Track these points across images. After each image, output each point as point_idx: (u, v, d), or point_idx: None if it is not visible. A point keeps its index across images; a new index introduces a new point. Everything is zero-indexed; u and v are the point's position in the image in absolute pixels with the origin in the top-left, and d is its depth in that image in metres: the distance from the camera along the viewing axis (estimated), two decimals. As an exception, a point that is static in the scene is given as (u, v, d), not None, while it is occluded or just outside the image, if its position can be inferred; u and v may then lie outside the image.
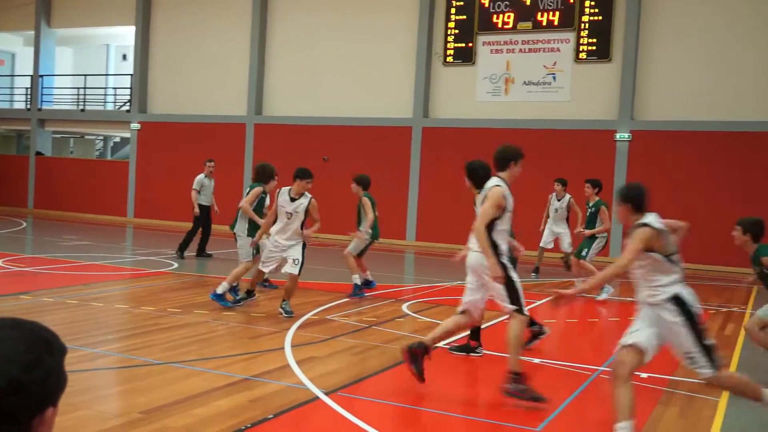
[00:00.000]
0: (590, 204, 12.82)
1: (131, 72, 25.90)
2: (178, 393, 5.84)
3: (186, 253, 15.06)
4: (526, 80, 20.45)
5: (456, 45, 21.15)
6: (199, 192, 15.09)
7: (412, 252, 19.66)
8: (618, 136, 19.10)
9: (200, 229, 15.25)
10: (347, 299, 10.82)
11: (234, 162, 22.96)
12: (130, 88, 25.82)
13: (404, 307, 10.49)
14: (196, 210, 15.09)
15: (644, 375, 7.24)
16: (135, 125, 25.14)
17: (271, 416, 5.41)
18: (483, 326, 8.04)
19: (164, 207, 23.99)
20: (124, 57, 30.31)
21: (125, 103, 26.49)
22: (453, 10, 21.12)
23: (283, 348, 7.56)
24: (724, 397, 6.47)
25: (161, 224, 23.51)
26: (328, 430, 5.42)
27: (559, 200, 14.53)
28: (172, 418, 5.25)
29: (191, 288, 11.38)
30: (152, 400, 5.62)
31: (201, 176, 15.23)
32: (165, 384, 6.14)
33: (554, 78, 20.14)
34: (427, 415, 5.95)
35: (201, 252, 15.35)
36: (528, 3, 20.28)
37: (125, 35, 26.87)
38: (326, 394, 6.00)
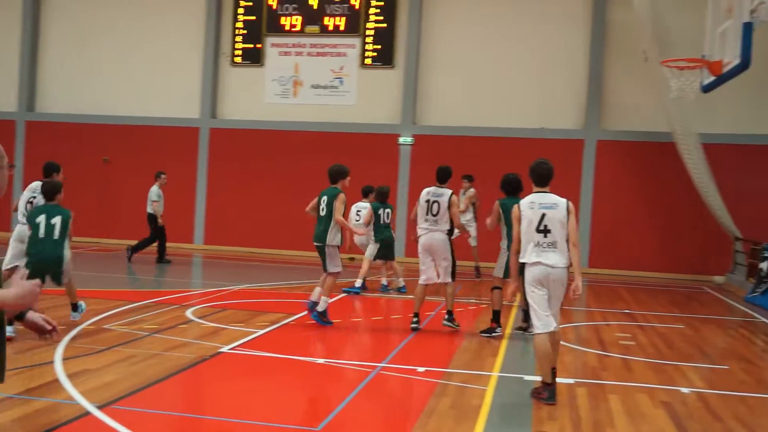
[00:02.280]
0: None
1: None
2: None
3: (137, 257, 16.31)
4: (314, 83, 20.69)
5: (244, 46, 20.96)
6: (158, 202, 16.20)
7: (200, 256, 19.22)
8: (401, 139, 19.85)
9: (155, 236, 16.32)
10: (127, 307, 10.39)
11: None
12: None
13: (188, 313, 10.23)
14: (161, 220, 16.20)
15: (421, 369, 7.59)
16: None
17: (36, 436, 5.07)
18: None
19: None
20: None
21: None
22: (241, 11, 20.91)
23: (52, 362, 7.10)
24: (491, 386, 6.93)
25: None
26: (100, 445, 5.16)
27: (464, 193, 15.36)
28: None
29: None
30: None
31: (156, 187, 16.29)
32: None
33: (341, 82, 20.55)
34: (206, 423, 5.84)
35: (161, 258, 16.46)
36: (315, 7, 20.53)
37: None
38: (99, 408, 5.71)
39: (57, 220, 8.34)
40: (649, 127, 18.34)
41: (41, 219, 8.36)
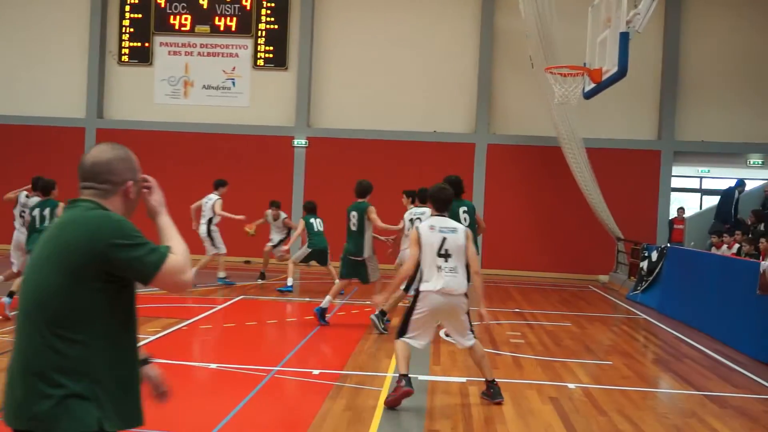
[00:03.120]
0: None
1: None
2: None
3: None
4: (205, 84, 20.31)
5: (132, 44, 20.36)
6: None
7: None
8: (295, 142, 19.74)
9: None
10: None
11: None
12: None
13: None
14: None
15: (316, 372, 7.55)
16: None
17: None
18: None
19: None
20: None
21: None
22: (128, 8, 20.29)
23: None
24: (385, 387, 6.96)
25: None
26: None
27: None
28: None
29: None
30: None
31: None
32: None
33: (234, 83, 20.25)
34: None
35: None
36: (205, 6, 20.16)
37: None
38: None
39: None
40: (536, 131, 18.93)
41: (36, 212, 9.71)
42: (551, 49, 16.14)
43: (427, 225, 6.56)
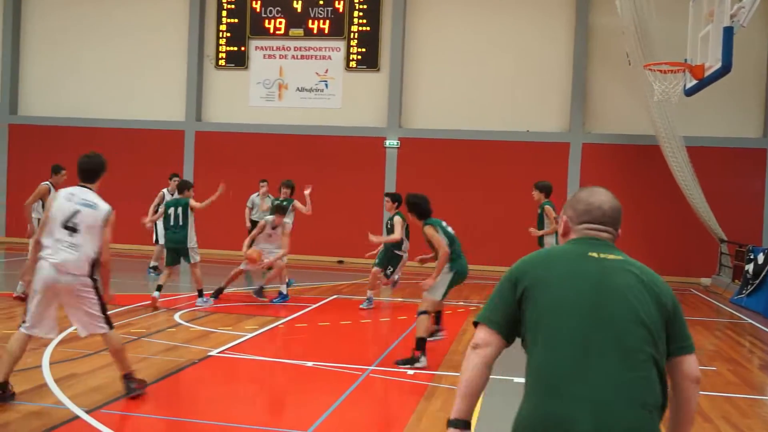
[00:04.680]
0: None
1: None
2: None
3: None
4: (299, 86, 20.66)
5: (228, 48, 20.90)
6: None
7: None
8: (387, 143, 19.85)
9: None
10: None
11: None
12: None
13: (177, 317, 10.16)
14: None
15: (411, 372, 7.58)
16: None
17: (24, 441, 5.01)
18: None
19: None
20: None
21: None
22: (224, 13, 20.85)
23: (40, 366, 7.03)
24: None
25: None
26: (89, 450, 5.11)
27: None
28: None
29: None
30: None
31: (254, 195, 15.98)
32: None
33: (326, 85, 20.52)
34: (197, 427, 5.79)
35: None
36: (299, 10, 20.51)
37: None
38: (87, 412, 5.65)
39: None
40: (633, 130, 18.44)
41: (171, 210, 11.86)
42: (649, 46, 15.68)
43: (67, 192, 6.18)
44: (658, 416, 2.47)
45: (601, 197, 2.76)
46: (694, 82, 12.10)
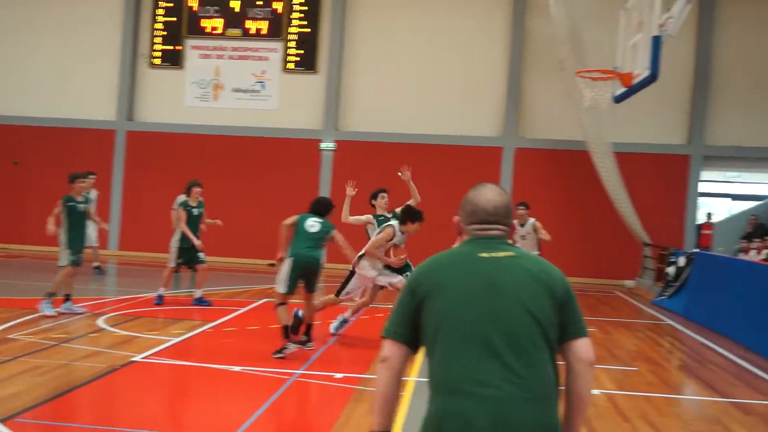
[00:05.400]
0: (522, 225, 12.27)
1: None
2: None
3: None
4: (235, 87, 20.49)
5: (163, 47, 20.60)
6: None
7: (115, 262, 18.73)
8: (323, 145, 19.84)
9: None
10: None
11: None
12: None
13: (100, 321, 9.96)
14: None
15: (339, 375, 7.59)
16: None
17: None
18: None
19: None
20: None
21: None
22: (160, 11, 20.54)
23: (-46, 373, 6.81)
24: (408, 392, 6.98)
25: None
26: (2, 460, 4.98)
27: (522, 225, 12.57)
28: None
29: None
30: None
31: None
32: None
33: (263, 86, 20.41)
34: (116, 434, 5.70)
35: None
36: (237, 10, 20.35)
37: None
38: (2, 421, 5.51)
39: None
40: (565, 135, 18.83)
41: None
42: (582, 53, 16.05)
43: None
44: (555, 407, 2.56)
45: (487, 196, 2.80)
46: (623, 89, 12.39)
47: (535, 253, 11.25)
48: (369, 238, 9.57)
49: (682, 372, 8.98)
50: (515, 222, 11.64)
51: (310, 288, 8.67)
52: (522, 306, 2.57)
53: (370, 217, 10.01)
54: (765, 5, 18.71)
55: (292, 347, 8.31)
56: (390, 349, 2.71)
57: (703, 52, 18.80)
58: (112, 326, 9.66)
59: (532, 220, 12.32)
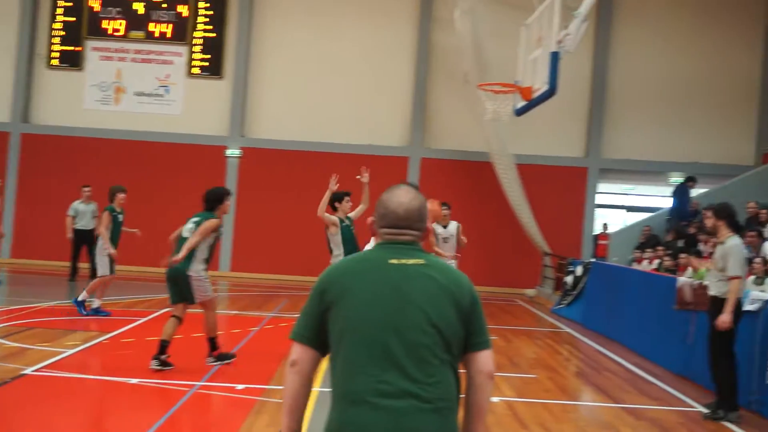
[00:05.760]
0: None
1: None
2: None
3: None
4: (138, 91, 19.98)
5: (62, 48, 19.90)
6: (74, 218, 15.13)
7: (5, 271, 17.89)
8: (228, 152, 19.57)
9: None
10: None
11: None
12: None
13: (-11, 332, 9.51)
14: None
15: (240, 386, 7.49)
16: None
17: None
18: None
19: None
20: None
21: None
22: (60, 11, 19.83)
23: None
24: (311, 403, 6.95)
25: None
26: None
27: (445, 227, 11.84)
28: None
29: None
30: None
31: (76, 202, 15.15)
32: None
33: (167, 90, 19.98)
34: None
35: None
36: (140, 12, 19.86)
37: None
38: None
39: None
40: (469, 146, 19.17)
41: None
42: (485, 66, 16.41)
43: None
44: (454, 418, 2.59)
45: (400, 199, 2.74)
46: (524, 102, 12.72)
47: (455, 257, 11.31)
48: (327, 239, 9.34)
49: (579, 379, 9.27)
50: (435, 225, 11.55)
51: (181, 299, 8.02)
52: (426, 318, 2.56)
53: (337, 220, 9.58)
54: (656, 27, 19.58)
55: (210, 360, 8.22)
56: (298, 352, 2.68)
57: (600, 69, 19.54)
58: (3, 337, 9.24)
59: (455, 223, 12.18)
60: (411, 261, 2.65)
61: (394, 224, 2.71)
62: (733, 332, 7.17)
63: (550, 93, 11.12)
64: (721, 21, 19.46)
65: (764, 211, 13.11)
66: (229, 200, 8.43)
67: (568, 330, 13.13)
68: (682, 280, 9.73)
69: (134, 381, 7.49)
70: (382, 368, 2.52)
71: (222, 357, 8.39)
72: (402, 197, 2.74)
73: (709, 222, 7.43)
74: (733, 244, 7.17)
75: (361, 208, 9.90)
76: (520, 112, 13.28)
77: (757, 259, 9.51)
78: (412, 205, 2.72)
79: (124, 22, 19.91)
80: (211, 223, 8.07)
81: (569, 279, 15.10)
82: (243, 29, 19.69)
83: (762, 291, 8.69)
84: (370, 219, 2.83)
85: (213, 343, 8.38)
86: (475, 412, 2.70)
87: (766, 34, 19.32)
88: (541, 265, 18.80)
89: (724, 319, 7.05)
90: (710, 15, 19.48)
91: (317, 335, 2.67)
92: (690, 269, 11.65)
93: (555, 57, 10.89)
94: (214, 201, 8.25)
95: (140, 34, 19.93)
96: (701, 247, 12.57)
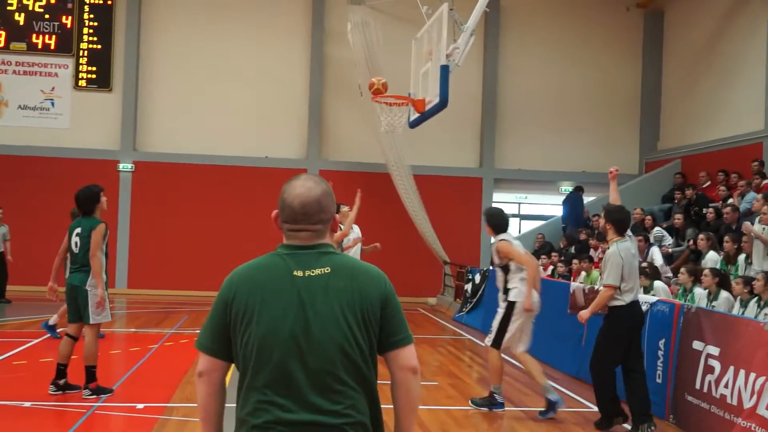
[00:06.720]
0: None
1: None
2: None
3: None
4: (21, 104, 19.17)
5: (-63, 59, 18.88)
6: None
7: None
8: (121, 166, 19.02)
9: None
10: None
11: None
12: None
13: None
14: None
15: (140, 405, 7.29)
16: None
17: None
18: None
19: None
20: None
21: None
22: (-68, 20, 18.82)
23: None
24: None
25: None
26: None
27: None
28: None
29: None
30: None
31: None
32: None
33: (53, 104, 19.25)
34: None
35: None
36: (22, 23, 19.08)
37: None
38: None
39: None
40: (366, 158, 19.31)
41: None
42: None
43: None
44: None
45: (297, 190, 2.56)
46: (417, 114, 12.93)
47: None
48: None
49: (480, 385, 9.44)
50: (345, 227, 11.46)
51: (78, 318, 7.51)
52: (333, 342, 2.45)
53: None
54: (543, 40, 20.26)
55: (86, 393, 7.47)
56: (204, 362, 2.57)
57: (490, 81, 20.08)
58: None
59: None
60: (316, 271, 2.50)
61: (292, 219, 2.54)
62: (621, 342, 7.00)
63: (442, 105, 11.35)
64: (604, 36, 20.40)
65: (649, 217, 13.82)
66: (104, 196, 7.95)
67: (470, 337, 13.38)
68: (575, 285, 10.11)
69: (27, 404, 7.17)
70: (285, 397, 2.42)
71: (100, 391, 7.56)
72: (298, 188, 2.55)
73: (601, 223, 7.64)
74: (611, 251, 7.00)
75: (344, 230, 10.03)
76: (413, 124, 13.49)
77: (644, 264, 9.97)
78: (310, 196, 2.54)
79: (3, 33, 19.10)
80: (101, 228, 7.60)
81: (468, 287, 15.42)
82: (131, 40, 19.20)
83: (653, 295, 9.14)
84: (274, 212, 2.61)
85: (91, 373, 7.52)
86: (403, 410, 2.62)
87: (644, 49, 20.36)
88: (441, 274, 19.11)
89: (582, 314, 7.17)
90: (593, 31, 20.38)
91: (222, 346, 2.55)
92: (583, 273, 12.12)
93: (445, 70, 11.13)
94: (91, 201, 7.76)
95: (22, 45, 19.15)
96: (592, 253, 13.11)
